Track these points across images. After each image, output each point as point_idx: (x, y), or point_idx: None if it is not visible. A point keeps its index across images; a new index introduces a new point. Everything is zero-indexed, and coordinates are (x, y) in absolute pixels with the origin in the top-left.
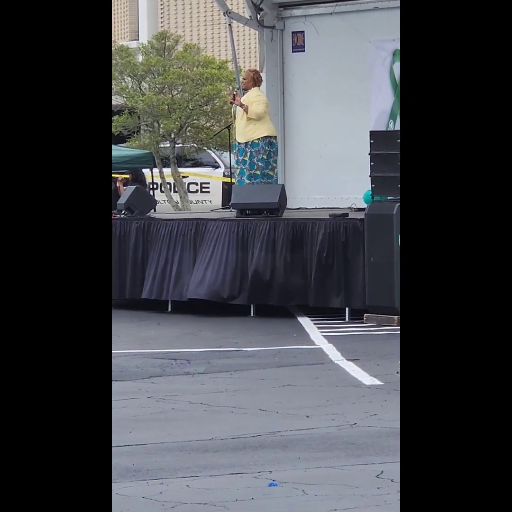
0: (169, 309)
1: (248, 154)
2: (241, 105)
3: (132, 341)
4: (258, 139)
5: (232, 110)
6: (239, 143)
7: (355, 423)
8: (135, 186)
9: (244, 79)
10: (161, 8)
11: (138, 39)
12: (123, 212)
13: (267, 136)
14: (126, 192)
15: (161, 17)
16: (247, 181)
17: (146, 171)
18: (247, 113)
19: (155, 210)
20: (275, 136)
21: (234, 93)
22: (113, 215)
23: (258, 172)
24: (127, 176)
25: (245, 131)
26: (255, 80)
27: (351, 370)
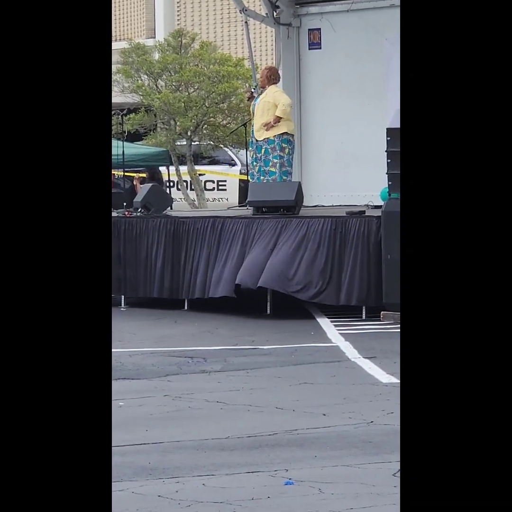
0: (186, 307)
1: (264, 150)
2: (269, 125)
3: (149, 339)
4: (274, 136)
5: (250, 108)
6: (256, 140)
7: (372, 421)
8: (151, 184)
9: (260, 78)
10: (178, 6)
11: (154, 37)
12: (139, 210)
13: (285, 133)
14: (142, 190)
15: (178, 15)
16: (263, 178)
17: (162, 169)
18: (273, 122)
19: (171, 208)
20: (293, 135)
21: (252, 90)
22: (130, 213)
23: (273, 169)
24: (144, 174)
25: (262, 128)
26: (268, 78)
27: (368, 368)
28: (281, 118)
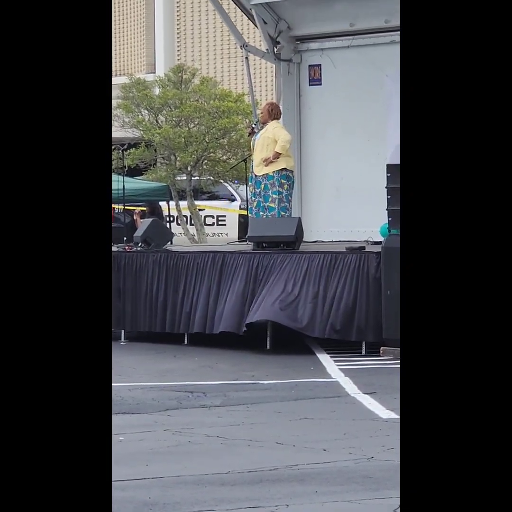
0: (186, 342)
1: (263, 186)
2: (268, 160)
3: (149, 374)
4: (273, 171)
5: (250, 143)
6: (256, 175)
7: (372, 457)
8: (151, 219)
9: (261, 113)
10: (178, 41)
11: (155, 72)
12: (139, 244)
13: (284, 168)
14: (142, 225)
15: (178, 50)
16: (262, 214)
17: (162, 204)
18: (272, 158)
19: (171, 243)
20: (292, 171)
21: (253, 125)
22: (130, 247)
23: (272, 205)
24: (144, 208)
25: (261, 164)
26: (269, 113)
27: (368, 403)
28: (280, 154)
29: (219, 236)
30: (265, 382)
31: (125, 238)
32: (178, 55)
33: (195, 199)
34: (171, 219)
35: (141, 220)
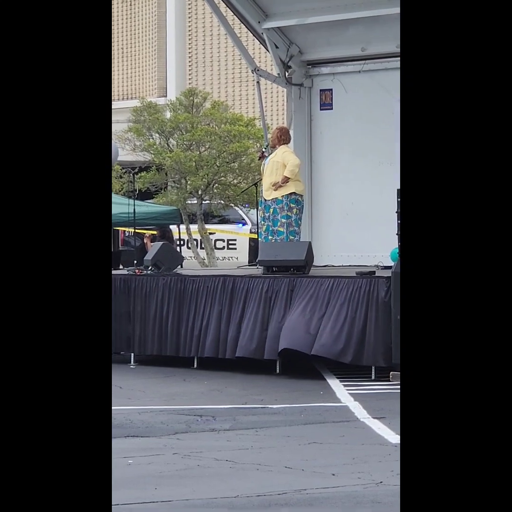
0: (195, 365)
1: (272, 210)
2: (277, 185)
3: (158, 397)
4: (283, 196)
5: (260, 167)
6: (265, 199)
7: (381, 482)
8: (162, 242)
9: (271, 137)
10: (189, 65)
11: (166, 96)
12: (150, 268)
13: (293, 193)
14: (153, 248)
15: (189, 74)
16: (271, 238)
17: (173, 228)
18: (281, 182)
19: (182, 267)
20: (302, 195)
21: (263, 150)
22: (140, 271)
23: (281, 229)
24: (154, 232)
25: (271, 188)
26: (278, 138)
27: (377, 428)
28: (289, 178)
29: (229, 260)
30: (275, 406)
31: (135, 262)
32: (189, 79)
33: (206, 223)
34: (182, 242)
35: (151, 243)
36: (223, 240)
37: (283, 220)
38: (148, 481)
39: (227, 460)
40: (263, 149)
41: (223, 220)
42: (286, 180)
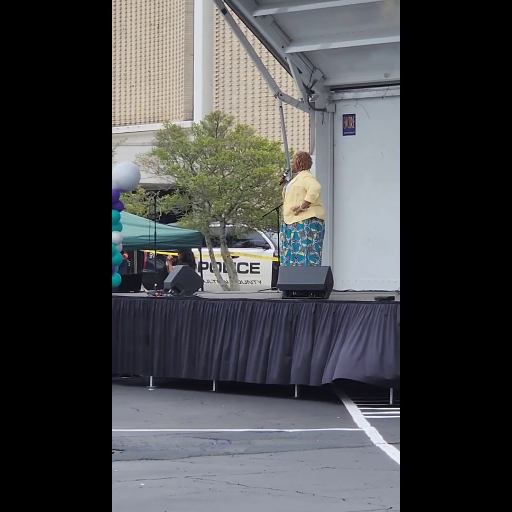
0: (214, 389)
1: (293, 235)
2: (298, 209)
3: (174, 420)
4: (303, 220)
5: (282, 192)
6: (286, 224)
7: (391, 507)
8: (182, 266)
9: (292, 162)
10: (216, 89)
11: (192, 119)
12: (169, 291)
13: (314, 217)
14: (173, 271)
15: (216, 98)
16: (291, 262)
17: (194, 251)
18: (302, 207)
19: (202, 290)
20: (323, 220)
21: (284, 174)
22: (160, 294)
23: (302, 253)
24: (176, 254)
25: (292, 213)
26: (298, 164)
27: (392, 453)
28: (310, 203)
29: (252, 283)
30: (291, 430)
31: (155, 284)
32: (216, 102)
33: (229, 247)
34: (205, 266)
35: (173, 266)
36: (246, 264)
37: (304, 245)
38: (158, 504)
39: (239, 484)
40: (285, 174)
41: (247, 244)
42: (306, 205)
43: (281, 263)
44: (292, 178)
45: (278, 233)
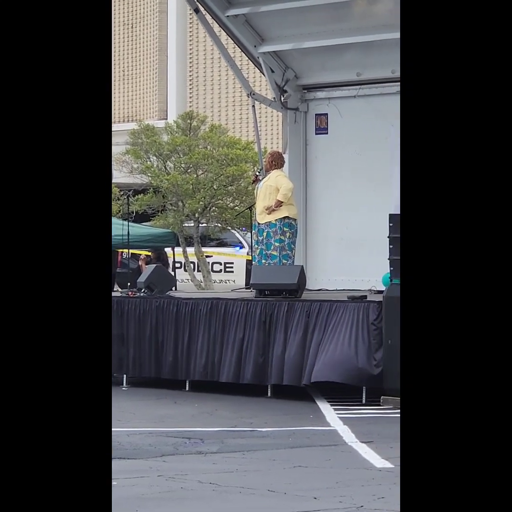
0: (187, 388)
1: (265, 234)
2: (271, 208)
3: (148, 419)
4: (276, 219)
5: (255, 191)
6: (258, 223)
7: (361, 506)
8: (155, 265)
9: (265, 162)
10: (190, 88)
11: (166, 119)
12: (143, 290)
13: (286, 217)
14: (146, 271)
15: (190, 97)
16: (264, 261)
17: (168, 250)
18: (274, 206)
19: (175, 289)
20: (295, 219)
21: (256, 173)
22: (133, 293)
23: (274, 253)
24: (150, 253)
25: (265, 212)
26: (270, 163)
27: (364, 452)
28: (282, 202)
29: (226, 282)
30: (263, 429)
31: (129, 284)
32: (190, 102)
33: (203, 246)
34: (178, 265)
35: (146, 265)
36: (220, 263)
37: (276, 244)
38: (131, 503)
39: (210, 483)
40: (257, 173)
41: (221, 243)
42: (279, 204)
43: (253, 262)
44: (264, 177)
45: (251, 232)
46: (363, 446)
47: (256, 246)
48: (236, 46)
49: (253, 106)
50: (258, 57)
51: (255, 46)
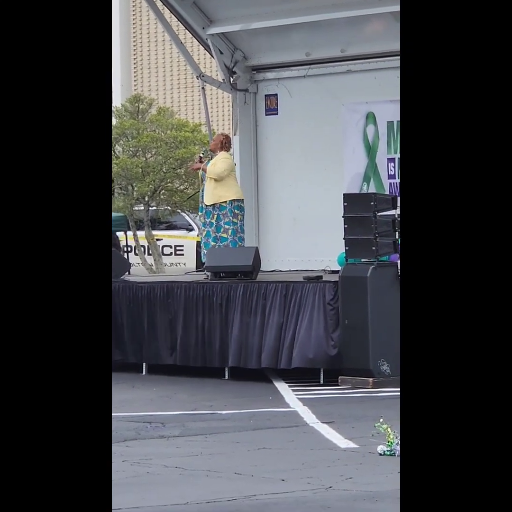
0: (144, 372)
1: (215, 216)
2: (198, 168)
3: None
4: (226, 202)
5: (199, 174)
6: (206, 205)
7: (330, 487)
8: None
9: (213, 142)
10: (135, 71)
11: (112, 102)
12: None
13: (235, 199)
14: None
15: (135, 80)
16: (213, 243)
17: (120, 234)
18: (206, 173)
19: (129, 273)
20: (242, 200)
21: (200, 156)
22: None
23: (225, 235)
24: None
25: (213, 194)
26: (222, 144)
27: (326, 433)
28: (214, 178)
29: (177, 265)
30: (224, 412)
31: None
32: (135, 85)
33: (153, 229)
34: (129, 249)
35: None
36: (171, 246)
37: (227, 226)
38: None
39: (176, 467)
40: (201, 155)
41: (170, 226)
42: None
43: (201, 245)
44: (210, 159)
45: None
46: (325, 427)
47: (203, 227)
48: (182, 28)
49: (203, 88)
50: (206, 39)
51: (203, 28)
